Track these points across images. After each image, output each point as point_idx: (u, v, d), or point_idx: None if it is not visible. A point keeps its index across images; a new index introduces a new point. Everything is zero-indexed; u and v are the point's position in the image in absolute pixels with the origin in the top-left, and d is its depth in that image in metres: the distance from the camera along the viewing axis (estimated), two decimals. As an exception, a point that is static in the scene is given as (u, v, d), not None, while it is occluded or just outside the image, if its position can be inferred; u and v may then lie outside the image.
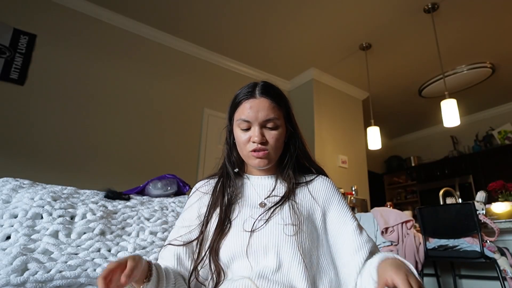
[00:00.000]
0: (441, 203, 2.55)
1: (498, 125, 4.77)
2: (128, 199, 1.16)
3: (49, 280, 0.74)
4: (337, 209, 0.82)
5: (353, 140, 4.10)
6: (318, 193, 0.83)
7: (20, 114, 2.45)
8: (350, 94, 4.27)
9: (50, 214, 0.90)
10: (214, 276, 0.71)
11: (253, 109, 0.78)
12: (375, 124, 3.48)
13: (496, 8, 2.87)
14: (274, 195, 0.81)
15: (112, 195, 1.13)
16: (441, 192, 2.57)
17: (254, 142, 0.78)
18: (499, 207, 2.29)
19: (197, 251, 0.76)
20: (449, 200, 2.73)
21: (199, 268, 0.73)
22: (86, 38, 2.85)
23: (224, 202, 0.80)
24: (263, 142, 0.79)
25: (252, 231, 0.73)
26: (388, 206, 3.21)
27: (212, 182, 0.87)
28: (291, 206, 0.78)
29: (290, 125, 0.85)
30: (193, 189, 0.89)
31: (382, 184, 5.98)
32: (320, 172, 0.90)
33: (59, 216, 0.90)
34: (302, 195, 0.82)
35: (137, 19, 3.04)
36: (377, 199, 5.53)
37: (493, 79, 3.99)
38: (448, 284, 2.36)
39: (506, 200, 2.40)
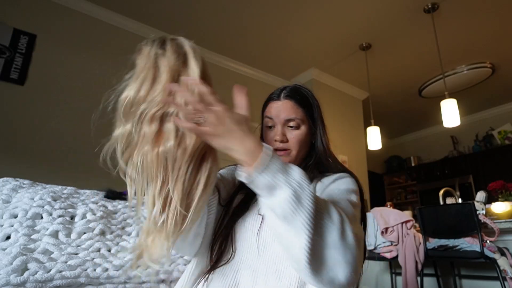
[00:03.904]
0: (441, 203, 2.55)
1: (498, 125, 4.77)
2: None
3: (49, 280, 0.74)
4: (334, 187, 0.76)
5: (353, 140, 4.10)
6: (330, 178, 0.80)
7: (20, 114, 2.45)
8: (350, 94, 4.27)
9: (50, 214, 0.90)
10: (226, 251, 0.72)
11: (276, 109, 0.85)
12: (375, 124, 3.48)
13: (496, 8, 2.87)
14: None
15: (112, 195, 1.13)
16: (441, 192, 2.57)
17: (276, 141, 0.83)
18: (499, 207, 2.29)
19: (221, 216, 0.78)
20: (449, 200, 2.73)
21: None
22: (86, 38, 2.84)
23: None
24: (284, 141, 0.83)
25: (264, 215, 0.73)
26: (388, 206, 3.22)
27: None
28: None
29: (314, 126, 0.88)
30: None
31: (382, 184, 5.97)
32: (345, 172, 0.86)
33: (59, 216, 0.90)
34: (316, 185, 0.81)
35: (136, 19, 3.05)
36: (377, 199, 5.53)
37: (493, 79, 3.99)
38: (448, 284, 2.36)
39: (506, 200, 2.40)
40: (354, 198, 0.73)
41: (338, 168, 0.87)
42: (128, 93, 0.61)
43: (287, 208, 0.53)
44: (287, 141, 0.83)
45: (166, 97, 0.57)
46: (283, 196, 0.54)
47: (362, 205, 0.79)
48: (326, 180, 0.81)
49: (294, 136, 0.83)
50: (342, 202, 0.68)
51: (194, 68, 0.59)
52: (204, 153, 0.61)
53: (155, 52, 0.61)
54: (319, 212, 0.55)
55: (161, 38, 0.62)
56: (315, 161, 0.87)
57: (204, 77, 0.60)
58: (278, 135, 0.82)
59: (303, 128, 0.84)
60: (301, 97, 0.87)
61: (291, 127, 0.83)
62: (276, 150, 0.82)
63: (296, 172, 0.57)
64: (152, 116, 0.58)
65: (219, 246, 0.74)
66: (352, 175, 0.84)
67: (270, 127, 0.85)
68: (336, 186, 0.75)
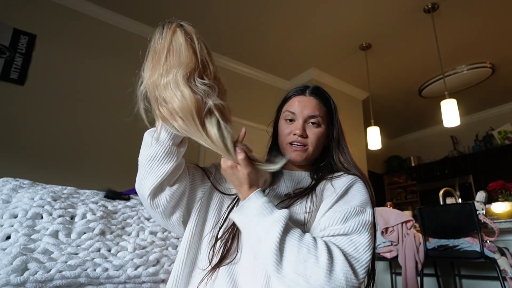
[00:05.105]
0: (441, 203, 2.55)
1: (498, 125, 4.77)
2: (128, 199, 1.16)
3: (49, 280, 0.74)
4: (340, 204, 0.73)
5: (353, 140, 4.06)
6: (340, 183, 0.78)
7: (20, 114, 2.45)
8: (350, 94, 4.27)
9: (50, 214, 0.90)
10: (232, 250, 0.72)
11: (300, 103, 0.85)
12: (375, 124, 3.48)
13: (496, 8, 2.87)
14: (300, 188, 0.82)
15: (112, 195, 1.12)
16: (441, 192, 2.57)
17: (294, 135, 0.82)
18: (499, 207, 2.29)
19: (224, 217, 0.79)
20: (449, 200, 2.73)
21: (219, 235, 0.75)
22: (86, 38, 2.84)
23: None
24: (303, 136, 0.82)
25: None
26: (388, 206, 3.22)
27: None
28: (311, 196, 0.78)
29: (331, 130, 0.88)
30: None
31: (382, 184, 5.97)
32: (357, 175, 0.83)
33: (59, 216, 0.90)
34: (326, 186, 0.80)
35: (137, 18, 3.05)
36: (377, 199, 5.50)
37: (493, 79, 3.99)
38: (448, 284, 2.36)
39: (506, 200, 2.40)
40: (367, 214, 0.71)
41: (352, 172, 0.83)
42: (145, 74, 0.73)
43: (256, 249, 0.64)
44: (306, 137, 0.83)
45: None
46: (251, 237, 0.64)
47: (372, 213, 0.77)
48: (337, 184, 0.78)
49: (314, 133, 0.83)
50: (354, 235, 0.66)
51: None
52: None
53: (155, 38, 0.73)
54: (297, 258, 0.60)
55: (166, 23, 0.73)
56: (327, 164, 0.87)
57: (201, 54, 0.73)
58: (298, 129, 0.82)
59: (322, 127, 0.85)
60: (325, 97, 0.88)
61: (313, 123, 0.83)
62: (292, 143, 0.83)
63: (270, 219, 0.63)
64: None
65: (225, 244, 0.73)
66: (362, 178, 0.82)
67: (290, 120, 0.85)
68: (349, 203, 0.72)
